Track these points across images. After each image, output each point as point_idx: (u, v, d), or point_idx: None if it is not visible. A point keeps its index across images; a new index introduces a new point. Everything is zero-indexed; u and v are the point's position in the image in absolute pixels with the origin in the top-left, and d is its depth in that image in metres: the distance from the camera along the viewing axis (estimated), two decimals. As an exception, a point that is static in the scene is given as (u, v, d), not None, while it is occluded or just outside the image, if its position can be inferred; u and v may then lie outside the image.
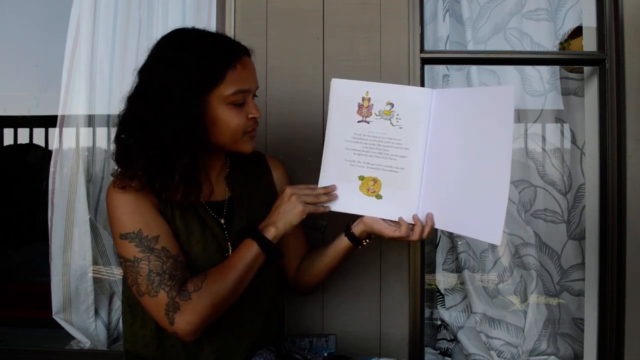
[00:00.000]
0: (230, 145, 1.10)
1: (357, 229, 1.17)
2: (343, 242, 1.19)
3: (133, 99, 1.05)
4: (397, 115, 1.14)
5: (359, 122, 1.15)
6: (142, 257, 1.02)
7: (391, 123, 1.14)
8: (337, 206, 1.16)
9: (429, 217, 1.12)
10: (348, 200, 1.16)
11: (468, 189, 1.09)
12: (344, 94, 1.17)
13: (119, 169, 1.05)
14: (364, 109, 1.15)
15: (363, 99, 1.16)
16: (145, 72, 1.06)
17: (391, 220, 1.15)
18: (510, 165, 1.04)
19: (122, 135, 1.06)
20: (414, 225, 1.13)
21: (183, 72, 1.02)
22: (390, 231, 1.13)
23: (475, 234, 1.11)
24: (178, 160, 1.01)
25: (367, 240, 1.19)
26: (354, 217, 1.18)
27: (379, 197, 1.15)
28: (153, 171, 1.02)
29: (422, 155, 1.14)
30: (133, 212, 1.04)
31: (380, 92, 1.15)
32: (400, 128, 1.14)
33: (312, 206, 1.12)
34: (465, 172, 1.10)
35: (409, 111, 1.14)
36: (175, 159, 1.01)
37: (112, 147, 1.07)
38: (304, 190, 1.13)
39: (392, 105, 1.14)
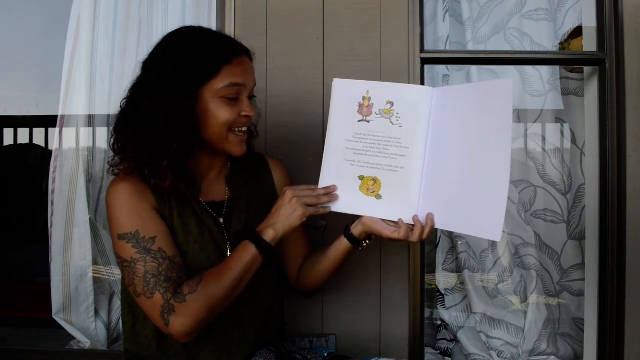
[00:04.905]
0: (218, 142, 1.09)
1: (356, 229, 1.16)
2: (343, 243, 1.18)
3: (133, 88, 1.09)
4: (397, 114, 1.14)
5: (359, 121, 1.15)
6: (138, 258, 1.02)
7: (391, 122, 1.14)
8: (337, 207, 1.16)
9: (429, 217, 1.11)
10: (348, 201, 1.15)
11: (468, 186, 1.08)
12: (345, 93, 1.17)
13: (113, 156, 1.08)
14: (365, 108, 1.15)
15: (364, 98, 1.15)
16: (147, 64, 1.09)
17: (391, 221, 1.14)
18: (510, 160, 1.03)
19: (118, 121, 1.08)
20: (413, 226, 1.12)
21: (180, 64, 1.04)
22: (389, 232, 1.12)
23: (475, 232, 1.10)
24: (167, 146, 1.03)
25: (367, 242, 1.19)
26: (354, 218, 1.18)
27: (378, 197, 1.14)
28: (143, 156, 1.04)
29: (422, 154, 1.13)
30: (131, 213, 1.05)
31: (381, 91, 1.15)
32: (400, 127, 1.13)
33: (312, 209, 1.12)
34: (466, 169, 1.09)
35: (409, 110, 1.14)
36: (164, 145, 1.03)
37: (111, 133, 1.10)
38: (304, 191, 1.12)
39: (392, 104, 1.14)
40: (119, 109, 1.09)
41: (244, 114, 1.09)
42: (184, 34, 1.10)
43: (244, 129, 1.12)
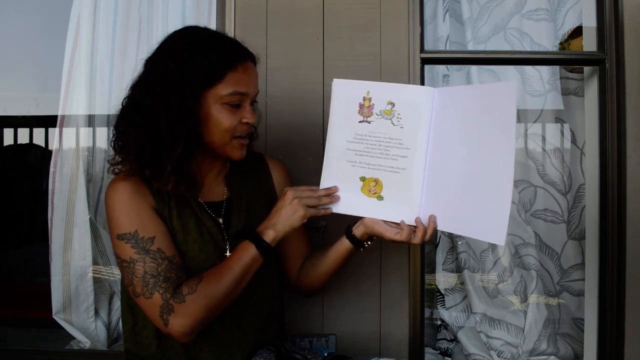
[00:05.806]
0: (220, 147, 1.10)
1: (358, 230, 1.16)
2: (344, 244, 1.18)
3: (134, 86, 1.08)
4: (398, 114, 1.13)
5: (360, 122, 1.15)
6: (137, 258, 1.02)
7: (392, 123, 1.13)
8: (338, 208, 1.16)
9: (431, 219, 1.10)
10: (349, 202, 1.15)
11: (471, 188, 1.07)
12: (345, 94, 1.16)
13: (115, 155, 1.07)
14: (365, 108, 1.15)
15: (364, 98, 1.15)
16: (150, 62, 1.09)
17: (393, 222, 1.14)
18: (514, 163, 1.02)
19: (119, 119, 1.08)
20: (415, 227, 1.11)
21: (184, 66, 1.03)
22: (391, 233, 1.12)
23: (479, 235, 1.09)
24: (171, 149, 1.02)
25: (369, 242, 1.18)
26: (356, 219, 1.17)
27: (380, 198, 1.14)
28: (145, 157, 1.03)
29: (423, 155, 1.12)
30: (130, 213, 1.05)
31: (381, 92, 1.14)
32: (401, 128, 1.13)
33: (313, 210, 1.11)
34: (468, 171, 1.08)
35: (410, 110, 1.13)
36: (165, 145, 1.02)
37: (112, 132, 1.09)
38: (305, 192, 1.12)
39: (392, 104, 1.13)
40: (120, 107, 1.09)
41: (244, 120, 1.09)
42: (189, 34, 1.10)
43: (246, 135, 1.12)
